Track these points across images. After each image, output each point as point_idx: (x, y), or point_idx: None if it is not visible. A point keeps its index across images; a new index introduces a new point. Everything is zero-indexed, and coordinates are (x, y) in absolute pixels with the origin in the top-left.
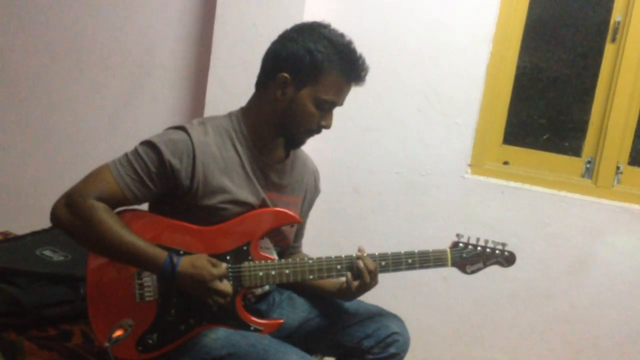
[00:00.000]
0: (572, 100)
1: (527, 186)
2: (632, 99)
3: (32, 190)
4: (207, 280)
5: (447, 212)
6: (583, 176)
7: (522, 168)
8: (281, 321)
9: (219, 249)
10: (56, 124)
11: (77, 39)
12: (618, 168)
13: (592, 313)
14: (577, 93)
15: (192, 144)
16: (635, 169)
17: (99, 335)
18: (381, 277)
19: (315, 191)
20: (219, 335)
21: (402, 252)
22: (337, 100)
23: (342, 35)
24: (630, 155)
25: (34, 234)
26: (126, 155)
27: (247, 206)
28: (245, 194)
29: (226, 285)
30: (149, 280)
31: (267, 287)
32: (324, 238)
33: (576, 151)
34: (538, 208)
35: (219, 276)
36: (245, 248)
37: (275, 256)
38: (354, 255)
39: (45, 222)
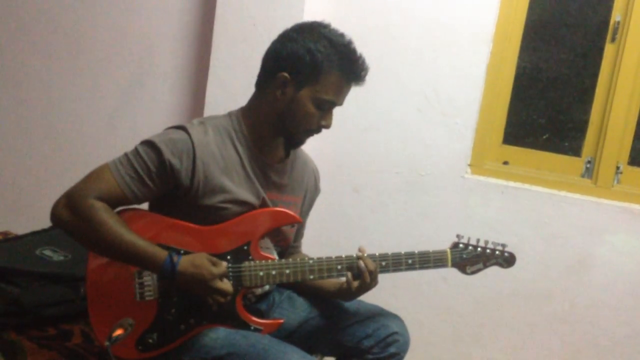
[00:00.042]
0: (572, 100)
1: (527, 186)
2: (632, 99)
3: (32, 190)
4: (207, 279)
5: (447, 212)
6: (583, 176)
7: (522, 168)
8: (281, 321)
9: (219, 249)
10: (56, 124)
11: (77, 39)
12: (618, 168)
13: (592, 313)
14: (577, 93)
15: (192, 143)
16: (635, 168)
17: (99, 334)
18: (381, 277)
19: (316, 191)
20: (219, 335)
21: (403, 252)
22: (337, 100)
23: (342, 35)
24: (630, 155)
25: (34, 233)
26: (126, 154)
27: (247, 206)
28: (245, 194)
29: (226, 285)
30: (149, 279)
31: (267, 287)
32: (324, 238)
33: (576, 151)
34: (538, 208)
35: (219, 275)
36: (245, 248)
37: (275, 256)
38: (355, 255)
39: (45, 222)
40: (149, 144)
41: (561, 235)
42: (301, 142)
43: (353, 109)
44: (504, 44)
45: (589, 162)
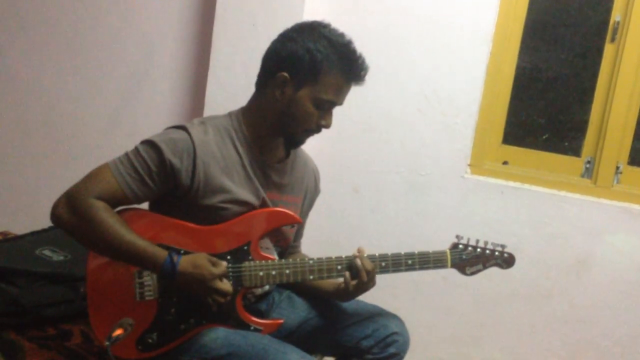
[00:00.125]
0: (572, 100)
1: (526, 186)
2: (632, 99)
3: (32, 190)
4: (207, 279)
5: (446, 212)
6: (583, 176)
7: (522, 168)
8: (281, 321)
9: (219, 249)
10: (56, 124)
11: (77, 39)
12: (618, 168)
13: (592, 313)
14: (577, 93)
15: (193, 143)
16: (635, 168)
17: (99, 334)
18: (381, 277)
19: (316, 191)
20: (219, 335)
21: (402, 253)
22: (337, 100)
23: (342, 35)
24: (630, 155)
25: (33, 234)
26: (127, 154)
27: (248, 206)
28: (245, 194)
29: (226, 285)
30: (149, 279)
31: (267, 287)
32: (324, 238)
33: (576, 151)
34: (538, 208)
35: (219, 275)
36: (245, 248)
37: (275, 256)
38: (354, 255)
39: (45, 222)
40: (149, 143)
41: (561, 235)
42: (301, 142)
43: (353, 109)
44: (504, 44)
45: (588, 162)
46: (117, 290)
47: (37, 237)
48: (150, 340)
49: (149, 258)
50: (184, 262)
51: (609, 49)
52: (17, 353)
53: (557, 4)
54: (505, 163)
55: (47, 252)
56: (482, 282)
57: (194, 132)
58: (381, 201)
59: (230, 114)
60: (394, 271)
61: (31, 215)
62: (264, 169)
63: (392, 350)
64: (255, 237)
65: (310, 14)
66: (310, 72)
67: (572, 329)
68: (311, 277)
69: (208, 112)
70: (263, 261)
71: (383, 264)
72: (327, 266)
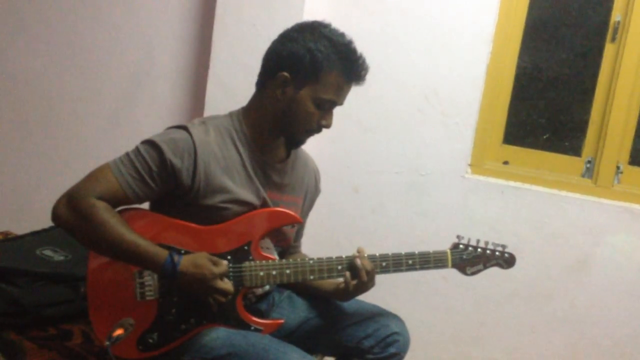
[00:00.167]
0: (572, 100)
1: (527, 186)
2: (632, 99)
3: (32, 190)
4: (208, 278)
5: (447, 212)
6: (583, 176)
7: (522, 168)
8: (281, 321)
9: (220, 249)
10: (56, 124)
11: (77, 39)
12: (618, 168)
13: (592, 313)
14: (577, 93)
15: (194, 143)
16: (635, 168)
17: (99, 334)
18: (381, 277)
19: (316, 191)
20: (220, 335)
21: (403, 253)
22: (337, 99)
23: (342, 35)
24: (631, 155)
25: (34, 234)
26: (127, 154)
27: (248, 206)
28: (246, 194)
29: (227, 284)
30: (149, 279)
31: (267, 287)
32: (324, 238)
33: (576, 151)
34: (538, 208)
35: (220, 274)
36: (246, 248)
37: (276, 256)
38: (354, 255)
39: (45, 222)
40: (150, 143)
41: (561, 235)
42: (302, 141)
43: (353, 109)
44: (504, 44)
45: (589, 162)
46: (118, 290)
47: (37, 237)
48: (150, 340)
49: (149, 258)
50: (184, 262)
51: (609, 49)
52: (18, 353)
53: (557, 4)
54: (505, 163)
55: (47, 252)
56: (483, 282)
57: (195, 132)
58: (381, 201)
59: (230, 114)
60: (395, 271)
61: (31, 215)
62: (265, 169)
63: (392, 350)
64: (256, 237)
65: (310, 14)
66: (311, 71)
67: (572, 329)
68: (312, 277)
69: (208, 112)
70: (264, 261)
71: (384, 264)
72: (327, 266)
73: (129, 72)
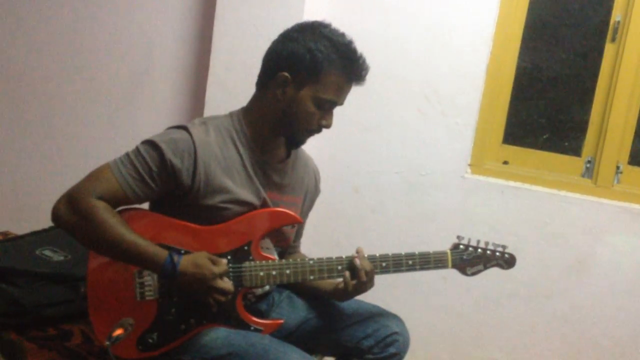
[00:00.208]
0: (572, 100)
1: (527, 186)
2: (632, 99)
3: (32, 190)
4: (208, 278)
5: (447, 212)
6: (583, 176)
7: (522, 168)
8: (281, 321)
9: (220, 249)
10: (56, 124)
11: (77, 39)
12: (618, 168)
13: (592, 313)
14: (577, 93)
15: (194, 143)
16: (635, 168)
17: (99, 334)
18: (381, 277)
19: (316, 191)
20: (219, 335)
21: (403, 253)
22: (338, 99)
23: (342, 35)
24: (630, 155)
25: (34, 234)
26: (127, 154)
27: (248, 206)
28: (246, 194)
29: (227, 283)
30: (149, 279)
31: (267, 287)
32: (324, 238)
33: (576, 151)
34: (538, 208)
35: (220, 274)
36: (246, 248)
37: (276, 256)
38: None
39: (45, 222)
40: (150, 143)
41: (561, 235)
42: (302, 141)
43: (353, 109)
44: (504, 44)
45: (589, 162)
46: (118, 290)
47: (37, 237)
48: (150, 340)
49: (149, 258)
50: (184, 262)
51: (609, 49)
52: (18, 353)
53: (557, 4)
54: (505, 163)
55: (47, 252)
56: (483, 282)
57: (195, 132)
58: (381, 201)
59: (231, 114)
60: (395, 271)
61: (31, 215)
62: (265, 169)
63: (392, 350)
64: (256, 237)
65: (310, 14)
66: (311, 71)
67: (572, 329)
68: (311, 277)
69: (208, 112)
70: (264, 261)
71: (384, 264)
72: (327, 266)
73: (129, 72)
